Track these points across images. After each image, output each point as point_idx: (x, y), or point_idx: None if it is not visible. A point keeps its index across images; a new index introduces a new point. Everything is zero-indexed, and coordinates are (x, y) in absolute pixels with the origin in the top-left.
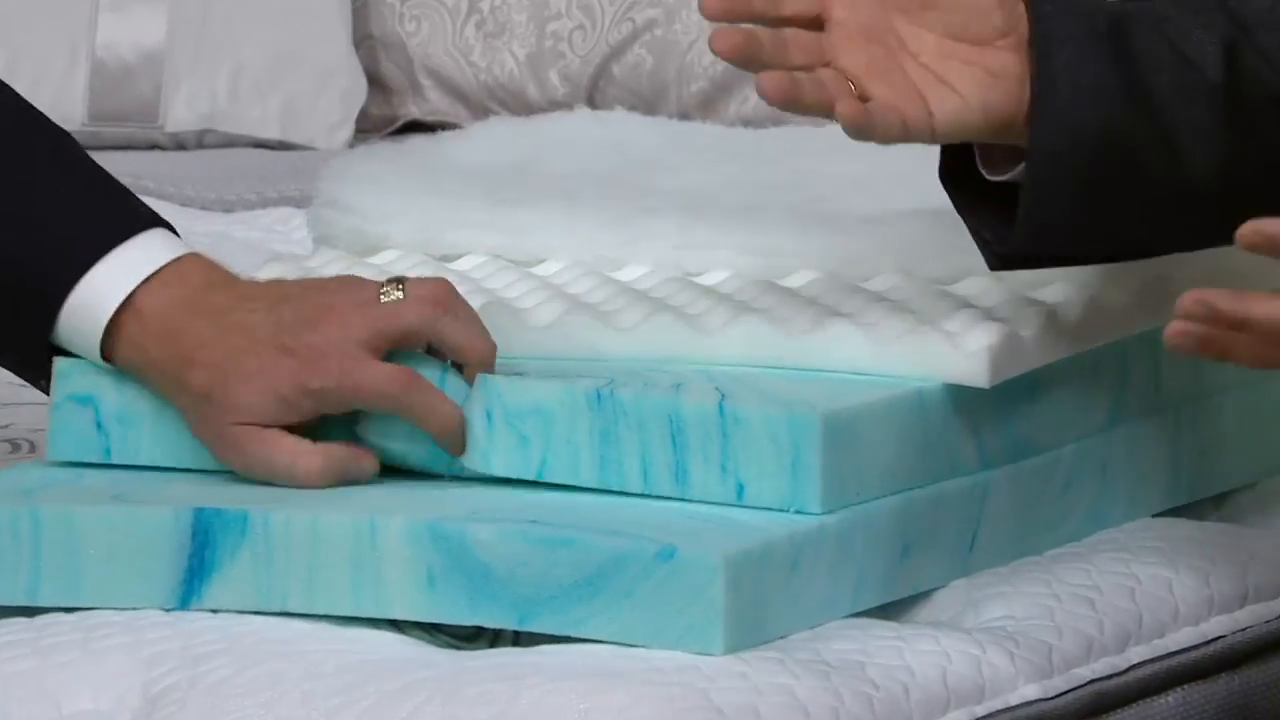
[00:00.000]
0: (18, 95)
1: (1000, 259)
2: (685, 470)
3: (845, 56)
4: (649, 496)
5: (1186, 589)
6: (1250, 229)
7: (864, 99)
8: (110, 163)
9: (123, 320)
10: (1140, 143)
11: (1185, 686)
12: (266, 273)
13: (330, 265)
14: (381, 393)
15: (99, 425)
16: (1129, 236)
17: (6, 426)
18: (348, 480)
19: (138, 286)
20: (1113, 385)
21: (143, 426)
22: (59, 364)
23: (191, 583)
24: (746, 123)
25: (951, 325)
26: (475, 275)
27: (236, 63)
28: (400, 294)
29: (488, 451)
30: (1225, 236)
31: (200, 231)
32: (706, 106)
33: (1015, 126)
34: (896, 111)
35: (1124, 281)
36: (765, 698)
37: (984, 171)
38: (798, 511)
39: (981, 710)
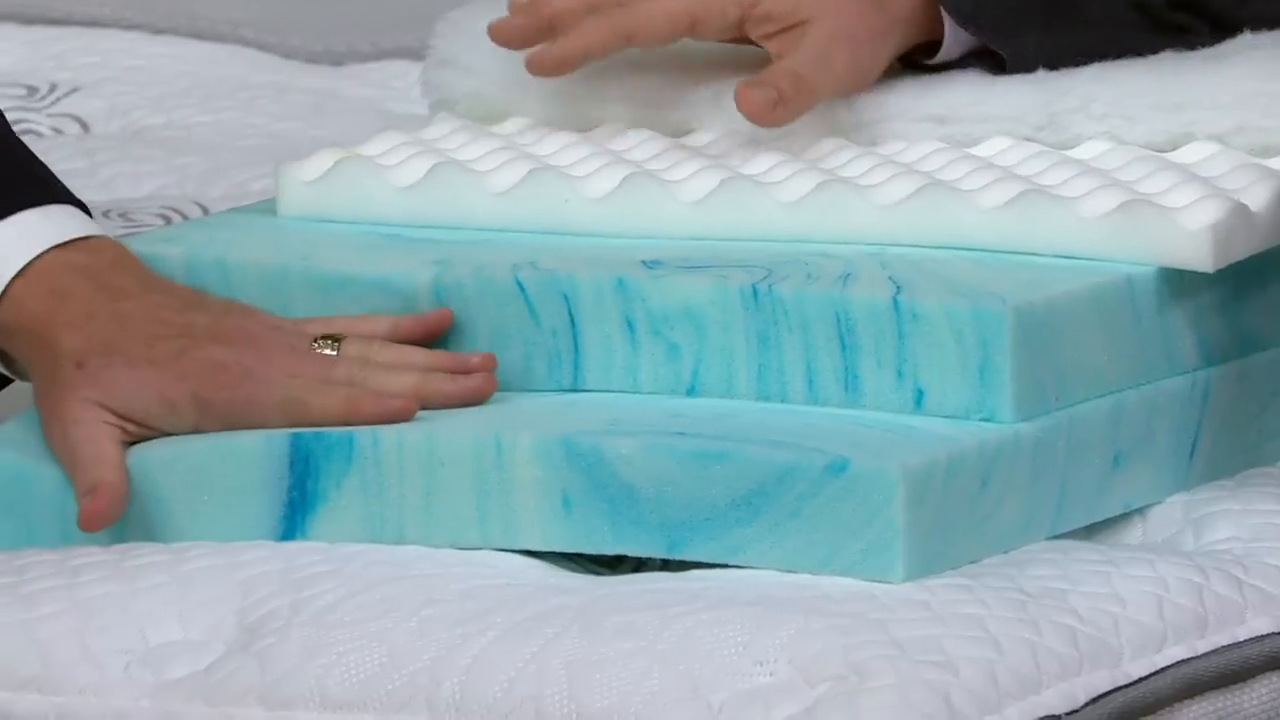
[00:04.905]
0: None
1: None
2: (856, 375)
3: None
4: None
5: None
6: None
7: None
8: (202, 7)
9: (12, 285)
10: None
11: None
12: (378, 145)
13: (451, 135)
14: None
15: None
16: None
17: None
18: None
19: (41, 254)
20: None
21: None
22: None
23: (293, 519)
24: None
25: (1169, 199)
26: (616, 146)
27: None
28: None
29: (632, 367)
30: None
31: (304, 88)
32: None
33: None
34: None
35: None
36: (951, 630)
37: None
38: (986, 420)
39: (1204, 646)
